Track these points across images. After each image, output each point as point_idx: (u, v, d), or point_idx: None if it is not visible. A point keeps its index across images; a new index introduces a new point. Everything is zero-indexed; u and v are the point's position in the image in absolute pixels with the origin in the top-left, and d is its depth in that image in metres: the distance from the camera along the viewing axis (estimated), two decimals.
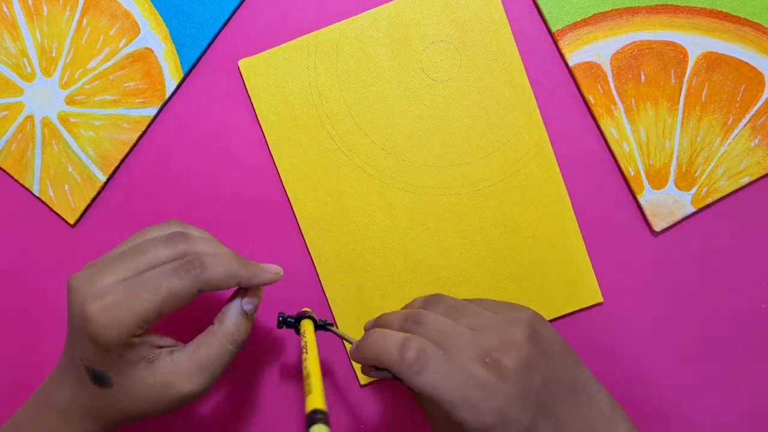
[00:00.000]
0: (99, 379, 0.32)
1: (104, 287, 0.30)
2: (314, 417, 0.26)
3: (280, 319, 0.37)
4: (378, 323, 0.35)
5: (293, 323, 0.37)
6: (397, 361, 0.30)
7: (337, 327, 0.40)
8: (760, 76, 0.40)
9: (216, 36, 0.42)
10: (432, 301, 0.34)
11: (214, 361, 0.32)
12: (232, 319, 0.34)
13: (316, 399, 0.28)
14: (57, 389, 0.34)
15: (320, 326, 0.37)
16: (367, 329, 0.36)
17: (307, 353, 0.33)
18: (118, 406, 0.32)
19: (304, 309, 0.38)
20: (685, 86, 0.40)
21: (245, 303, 0.34)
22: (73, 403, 0.33)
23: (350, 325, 0.42)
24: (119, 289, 0.30)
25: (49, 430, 0.33)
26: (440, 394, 0.29)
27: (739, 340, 0.41)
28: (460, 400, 0.29)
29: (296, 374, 0.43)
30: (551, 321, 0.41)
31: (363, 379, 0.42)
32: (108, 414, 0.33)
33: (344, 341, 0.40)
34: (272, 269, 0.35)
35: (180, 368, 0.32)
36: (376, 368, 0.34)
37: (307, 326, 0.36)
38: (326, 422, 0.26)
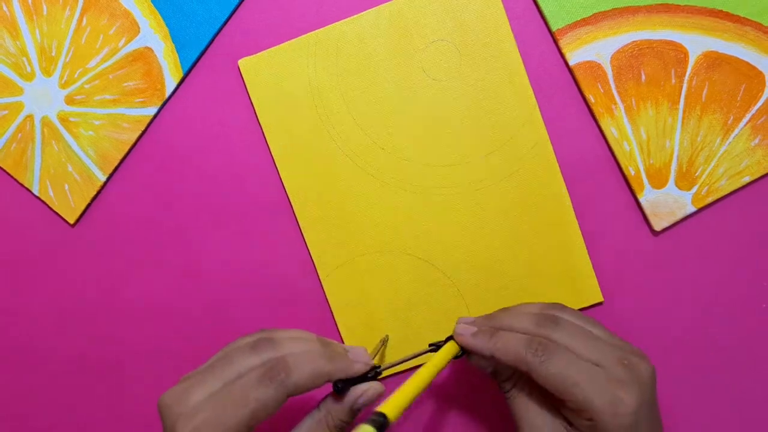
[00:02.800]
0: None
1: (195, 405, 0.30)
2: (372, 417, 0.25)
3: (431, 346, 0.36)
4: (498, 322, 0.34)
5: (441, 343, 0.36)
6: (523, 352, 0.31)
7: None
8: (760, 75, 0.40)
9: (216, 35, 0.42)
10: (558, 307, 0.34)
11: None
12: (341, 415, 0.33)
13: (390, 404, 0.27)
14: None
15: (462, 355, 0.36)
16: (467, 322, 0.35)
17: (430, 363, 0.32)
18: None
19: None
20: (685, 86, 0.40)
21: (360, 399, 0.33)
22: None
23: (350, 326, 0.42)
24: (208, 406, 0.29)
25: None
26: (567, 380, 0.30)
27: (739, 339, 0.41)
28: (598, 393, 0.29)
29: None
30: None
31: None
32: None
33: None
34: (361, 358, 0.33)
35: None
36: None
37: (449, 346, 0.35)
38: (378, 426, 0.25)
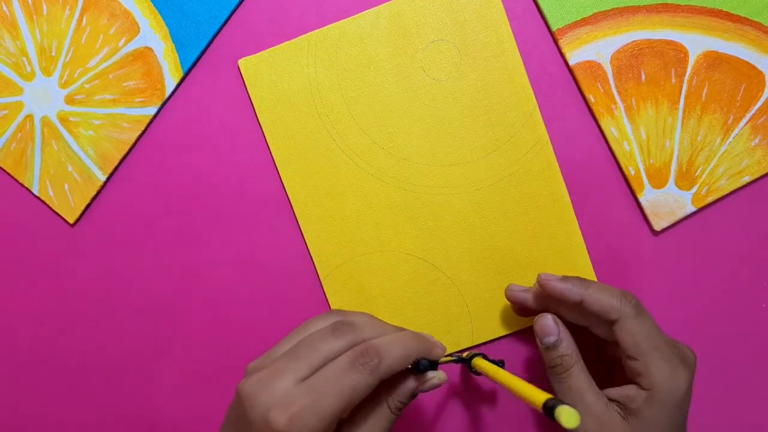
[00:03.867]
0: None
1: (285, 393, 0.29)
2: (551, 403, 0.26)
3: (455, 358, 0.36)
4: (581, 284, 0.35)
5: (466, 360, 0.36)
6: (618, 303, 0.33)
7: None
8: (760, 75, 0.40)
9: (216, 35, 0.42)
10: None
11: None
12: (403, 398, 0.32)
13: (538, 392, 0.27)
14: None
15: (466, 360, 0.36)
16: (547, 278, 0.36)
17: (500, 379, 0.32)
18: None
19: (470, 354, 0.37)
20: (685, 85, 0.40)
21: (427, 384, 0.33)
22: None
23: None
24: (301, 393, 0.29)
25: None
26: (650, 341, 0.33)
27: (740, 339, 0.41)
28: (666, 363, 0.32)
29: None
30: None
31: None
32: None
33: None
34: (440, 343, 0.34)
35: None
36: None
37: (480, 363, 0.35)
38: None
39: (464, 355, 0.38)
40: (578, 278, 0.35)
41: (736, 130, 0.40)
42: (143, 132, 0.42)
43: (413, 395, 0.33)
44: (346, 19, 0.40)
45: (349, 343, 0.31)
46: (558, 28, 0.40)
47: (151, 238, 0.43)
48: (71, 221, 0.43)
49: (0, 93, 0.42)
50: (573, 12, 0.40)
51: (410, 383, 0.32)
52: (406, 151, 0.41)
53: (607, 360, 0.37)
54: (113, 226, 0.43)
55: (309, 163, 0.41)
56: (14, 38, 0.42)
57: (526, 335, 0.42)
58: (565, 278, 0.35)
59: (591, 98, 0.40)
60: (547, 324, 0.35)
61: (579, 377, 0.34)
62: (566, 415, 0.29)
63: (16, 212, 0.43)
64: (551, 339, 0.35)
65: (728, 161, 0.40)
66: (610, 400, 0.34)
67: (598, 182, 0.41)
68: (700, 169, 0.40)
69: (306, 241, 0.42)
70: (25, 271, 0.43)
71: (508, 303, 0.41)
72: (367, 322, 0.33)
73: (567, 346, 0.35)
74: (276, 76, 0.41)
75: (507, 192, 0.41)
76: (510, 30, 0.40)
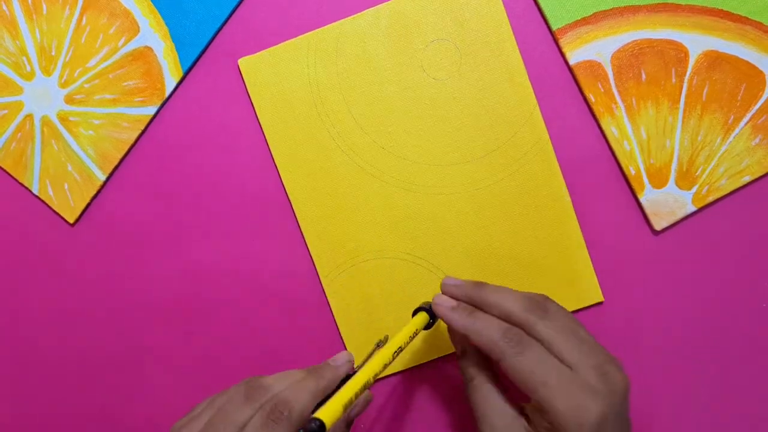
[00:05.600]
0: None
1: None
2: (308, 426, 0.26)
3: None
4: (486, 296, 0.33)
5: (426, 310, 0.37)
6: (499, 339, 0.31)
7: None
8: (760, 74, 0.39)
9: (216, 34, 0.42)
10: (550, 300, 0.33)
11: None
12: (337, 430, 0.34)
13: (326, 409, 0.27)
14: None
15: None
16: (454, 284, 0.35)
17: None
18: None
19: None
20: (685, 85, 0.40)
21: (353, 412, 0.35)
22: None
23: (350, 325, 0.42)
24: None
25: None
26: (536, 378, 0.29)
27: (740, 339, 0.41)
28: (564, 397, 0.29)
29: None
30: None
31: None
32: None
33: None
34: (342, 359, 0.35)
35: None
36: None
37: (420, 317, 0.36)
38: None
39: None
40: (469, 306, 0.34)
41: (737, 130, 0.40)
42: (143, 132, 0.42)
43: (349, 424, 0.34)
44: (346, 19, 0.40)
45: (262, 405, 0.30)
46: (558, 28, 0.40)
47: (151, 238, 0.43)
48: (71, 221, 0.43)
49: (0, 92, 0.42)
50: (573, 11, 0.40)
51: (339, 422, 0.33)
52: (406, 150, 0.41)
53: None
54: (113, 225, 0.43)
55: (309, 163, 0.41)
56: (14, 38, 0.42)
57: None
58: (455, 307, 0.34)
59: (591, 98, 0.40)
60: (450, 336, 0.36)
61: (484, 388, 0.33)
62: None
63: (16, 212, 0.43)
64: (458, 349, 0.35)
65: (729, 161, 0.40)
66: (524, 414, 0.32)
67: (599, 182, 0.41)
68: (700, 169, 0.40)
69: (306, 241, 0.42)
70: (25, 270, 0.43)
71: None
72: (277, 378, 0.32)
73: (470, 357, 0.34)
74: (276, 76, 0.41)
75: (507, 192, 0.41)
76: (510, 29, 0.40)
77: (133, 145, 0.42)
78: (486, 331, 0.32)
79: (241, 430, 0.29)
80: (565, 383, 0.29)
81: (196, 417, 0.31)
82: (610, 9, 0.40)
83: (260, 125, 0.41)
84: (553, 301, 0.34)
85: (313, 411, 0.30)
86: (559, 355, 0.30)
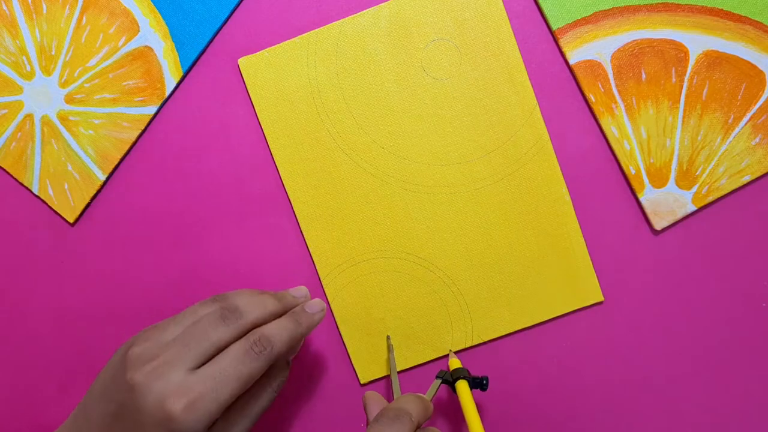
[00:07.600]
0: None
1: (181, 382, 0.30)
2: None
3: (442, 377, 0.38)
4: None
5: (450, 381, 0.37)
6: None
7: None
8: (760, 74, 0.39)
9: (216, 34, 0.42)
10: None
11: (259, 410, 0.34)
12: (284, 377, 0.36)
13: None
14: None
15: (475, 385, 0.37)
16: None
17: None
18: None
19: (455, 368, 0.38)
20: (685, 85, 0.40)
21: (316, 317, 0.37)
22: None
23: (351, 325, 0.42)
24: (199, 381, 0.30)
25: None
26: None
27: (740, 338, 0.41)
28: None
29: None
30: (551, 320, 0.41)
31: (363, 379, 0.42)
32: None
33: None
34: (316, 307, 0.37)
35: None
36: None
37: (462, 387, 0.36)
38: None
39: (450, 369, 0.38)
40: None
41: (737, 130, 0.40)
42: (143, 131, 0.42)
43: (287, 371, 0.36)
44: (345, 18, 0.40)
45: (238, 330, 0.32)
46: (558, 27, 0.40)
47: (150, 238, 0.43)
48: (71, 221, 0.43)
49: (0, 92, 0.42)
50: (573, 11, 0.40)
51: (283, 365, 0.36)
52: (406, 150, 0.41)
53: None
54: (113, 225, 0.43)
55: (309, 162, 0.41)
56: (14, 37, 0.42)
57: (525, 336, 0.42)
58: None
59: (591, 97, 0.40)
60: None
61: None
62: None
63: (16, 212, 0.43)
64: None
65: (729, 160, 0.40)
66: None
67: (599, 182, 0.41)
68: (700, 169, 0.40)
69: (306, 240, 0.42)
70: (25, 270, 0.43)
71: (508, 303, 0.41)
72: (250, 302, 0.34)
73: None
74: (276, 76, 0.41)
75: (507, 191, 0.41)
76: (510, 29, 0.40)
77: (133, 145, 0.42)
78: None
79: (217, 349, 0.31)
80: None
81: (170, 326, 0.33)
82: (610, 9, 0.40)
83: (260, 125, 0.41)
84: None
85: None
86: None
